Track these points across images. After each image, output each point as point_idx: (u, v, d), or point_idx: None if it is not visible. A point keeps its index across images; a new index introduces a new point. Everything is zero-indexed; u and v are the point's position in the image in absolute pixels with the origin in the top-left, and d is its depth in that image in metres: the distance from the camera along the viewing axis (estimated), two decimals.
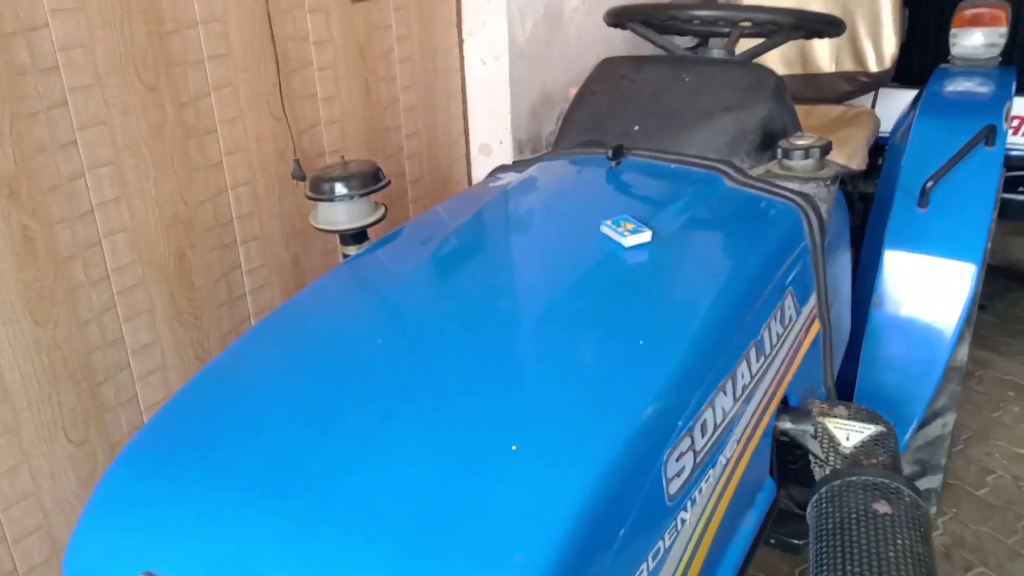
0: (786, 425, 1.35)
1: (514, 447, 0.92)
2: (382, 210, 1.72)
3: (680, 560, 1.06)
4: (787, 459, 1.55)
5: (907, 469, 2.32)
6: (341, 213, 1.67)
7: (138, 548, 0.92)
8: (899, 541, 1.03)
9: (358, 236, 1.72)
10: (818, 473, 1.27)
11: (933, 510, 2.50)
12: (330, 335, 1.19)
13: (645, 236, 1.29)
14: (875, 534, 1.04)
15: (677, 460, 1.03)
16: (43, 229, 1.54)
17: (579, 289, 1.20)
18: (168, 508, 0.94)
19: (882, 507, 1.08)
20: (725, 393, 1.14)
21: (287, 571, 0.85)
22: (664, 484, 1.01)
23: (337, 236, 1.74)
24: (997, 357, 3.42)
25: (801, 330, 1.42)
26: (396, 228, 1.59)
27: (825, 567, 1.03)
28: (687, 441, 1.05)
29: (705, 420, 1.09)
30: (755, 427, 1.25)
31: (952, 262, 1.95)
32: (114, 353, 1.71)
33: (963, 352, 2.08)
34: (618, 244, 1.29)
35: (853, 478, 1.15)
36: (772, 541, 1.71)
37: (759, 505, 1.31)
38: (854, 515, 1.08)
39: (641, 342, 1.07)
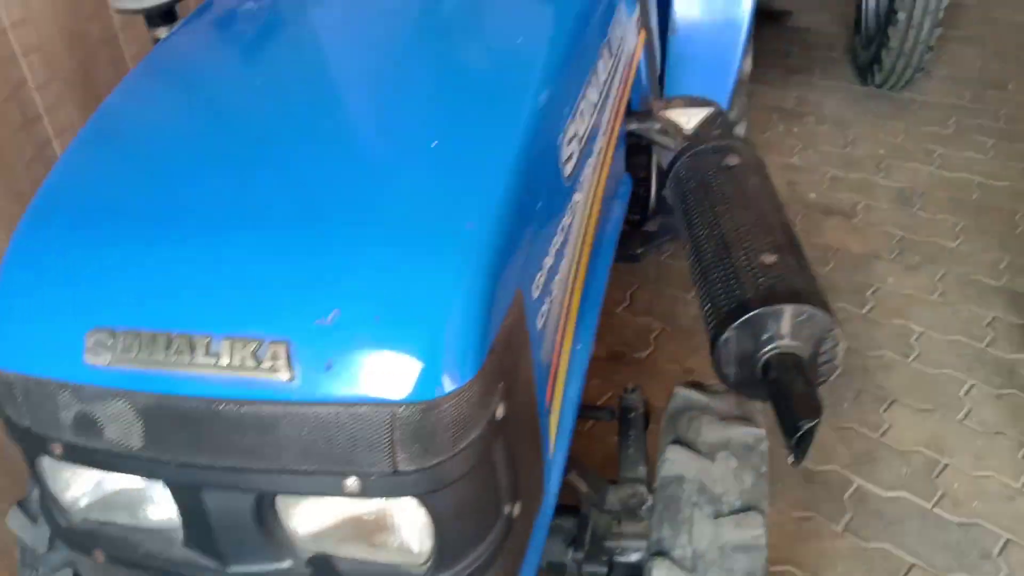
0: (634, 125, 1.50)
1: (435, 143, 0.97)
2: None
3: (579, 235, 1.20)
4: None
5: None
6: None
7: (76, 305, 0.90)
8: (751, 181, 1.22)
9: (167, 15, 1.58)
10: (668, 159, 1.44)
11: None
12: (212, 79, 1.15)
13: None
14: (732, 180, 1.23)
15: (568, 144, 1.13)
16: None
17: (443, 6, 1.22)
18: (98, 261, 0.91)
19: (732, 160, 1.27)
20: (592, 86, 1.25)
21: (233, 286, 0.87)
22: (560, 166, 1.12)
23: (143, 19, 1.59)
24: (759, 88, 3.84)
25: (634, 36, 1.54)
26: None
27: (696, 215, 1.20)
28: (572, 128, 1.15)
29: (582, 110, 1.19)
30: (614, 122, 1.38)
31: None
32: None
33: (748, 64, 2.34)
34: None
35: (702, 146, 1.32)
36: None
37: (622, 196, 1.48)
38: (711, 171, 1.26)
39: (520, 39, 1.13)
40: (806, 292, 1.02)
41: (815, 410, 0.92)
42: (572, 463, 1.45)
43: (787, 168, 3.28)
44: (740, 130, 2.45)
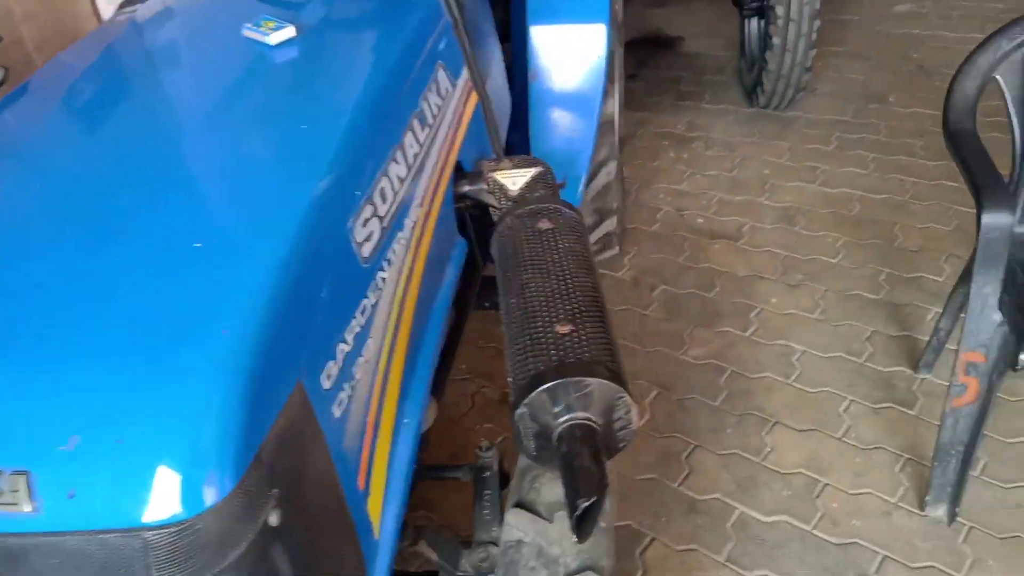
0: (464, 188, 1.50)
1: (198, 244, 0.96)
2: (1, 72, 1.54)
3: (390, 312, 1.19)
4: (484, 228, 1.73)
5: (588, 219, 2.67)
6: None
7: None
8: (561, 245, 1.23)
9: None
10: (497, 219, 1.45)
11: (616, 251, 2.92)
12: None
13: (289, 31, 1.30)
14: (542, 245, 1.23)
15: (364, 226, 1.13)
16: None
17: (234, 93, 1.20)
18: None
19: (544, 224, 1.27)
20: (397, 162, 1.24)
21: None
22: (355, 249, 1.10)
23: None
24: (651, 115, 3.92)
25: (460, 101, 1.54)
26: (21, 84, 1.44)
27: (510, 283, 1.21)
28: (369, 208, 1.14)
29: (383, 188, 1.19)
30: (435, 191, 1.38)
31: (586, 26, 2.17)
32: None
33: (611, 106, 2.38)
34: (264, 44, 1.29)
35: (520, 210, 1.33)
36: (487, 304, 1.92)
37: (455, 259, 1.47)
38: (524, 236, 1.26)
39: (304, 126, 1.12)
40: (595, 362, 1.02)
41: (596, 487, 0.92)
42: (422, 531, 1.44)
43: (677, 195, 3.34)
44: (611, 169, 2.48)
